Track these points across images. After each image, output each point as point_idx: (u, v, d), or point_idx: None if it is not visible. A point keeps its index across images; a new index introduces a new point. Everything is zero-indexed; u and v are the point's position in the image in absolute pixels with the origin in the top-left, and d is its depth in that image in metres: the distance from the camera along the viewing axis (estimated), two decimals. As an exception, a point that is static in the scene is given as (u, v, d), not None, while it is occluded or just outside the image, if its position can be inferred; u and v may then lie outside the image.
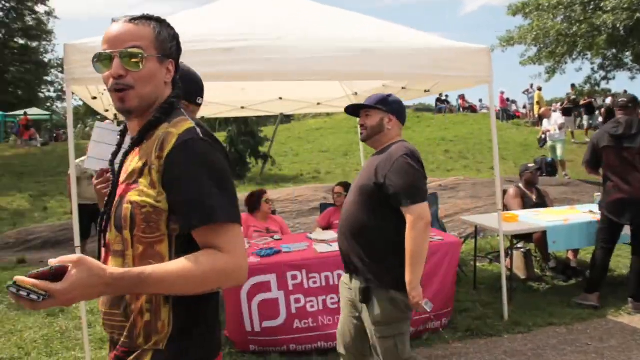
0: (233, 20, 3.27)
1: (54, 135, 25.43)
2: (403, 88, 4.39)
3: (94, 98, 3.78)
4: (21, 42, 34.61)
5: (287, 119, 20.29)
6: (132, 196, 1.04)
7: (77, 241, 2.85)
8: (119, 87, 1.07)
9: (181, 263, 0.96)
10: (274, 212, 4.58)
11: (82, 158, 4.04)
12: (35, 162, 16.03)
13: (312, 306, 3.20)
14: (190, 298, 1.03)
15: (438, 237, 3.53)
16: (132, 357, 1.04)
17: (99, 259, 1.08)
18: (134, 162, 1.08)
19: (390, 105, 2.17)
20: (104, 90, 3.53)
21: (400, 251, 1.96)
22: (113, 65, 1.06)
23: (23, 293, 0.81)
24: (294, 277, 3.18)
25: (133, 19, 1.11)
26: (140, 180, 1.04)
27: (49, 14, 34.34)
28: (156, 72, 1.10)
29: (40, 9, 34.11)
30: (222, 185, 1.03)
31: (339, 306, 2.42)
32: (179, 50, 1.18)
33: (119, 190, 1.10)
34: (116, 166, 1.15)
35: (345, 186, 4.36)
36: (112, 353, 1.10)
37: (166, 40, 1.13)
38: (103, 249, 1.12)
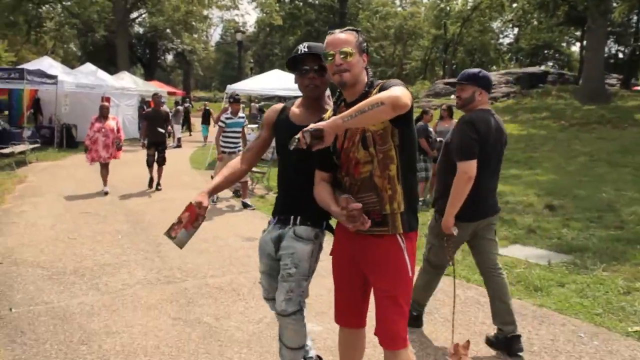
0: None
1: None
2: None
3: None
4: None
5: None
6: (370, 127, 2.31)
7: None
8: (340, 70, 2.33)
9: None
10: None
11: None
12: None
13: None
14: (412, 183, 2.42)
15: None
16: (388, 218, 2.36)
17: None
18: None
19: (480, 81, 3.55)
20: None
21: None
22: (335, 59, 2.33)
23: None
24: None
25: (343, 31, 2.40)
26: None
27: None
28: (358, 61, 2.37)
29: None
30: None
31: None
32: (367, 47, 2.45)
33: (356, 129, 2.34)
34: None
35: None
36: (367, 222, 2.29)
37: (362, 42, 2.40)
38: (350, 163, 2.40)
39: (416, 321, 3.99)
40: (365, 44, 2.44)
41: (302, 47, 2.65)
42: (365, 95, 2.35)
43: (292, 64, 2.69)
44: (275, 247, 2.77)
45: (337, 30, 2.45)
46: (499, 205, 3.81)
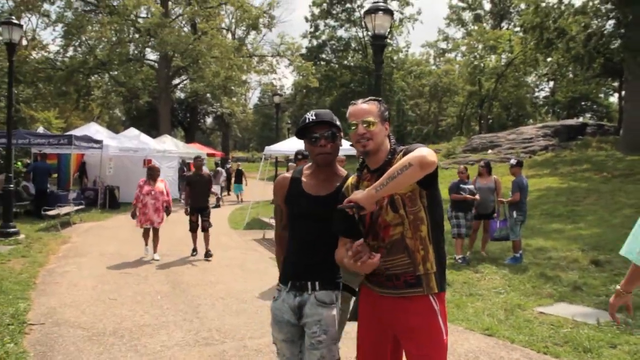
0: None
1: None
2: None
3: None
4: None
5: None
6: (400, 191, 2.30)
7: None
8: (362, 140, 2.39)
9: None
10: None
11: None
12: None
13: None
14: (441, 243, 2.40)
15: None
16: (422, 279, 2.32)
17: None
18: None
19: None
20: None
21: None
22: (358, 128, 2.40)
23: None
24: None
25: (366, 101, 2.48)
26: None
27: None
28: (381, 130, 2.44)
29: None
30: None
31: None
32: (389, 115, 2.52)
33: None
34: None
35: None
36: (396, 282, 2.34)
37: (384, 111, 2.49)
38: (379, 227, 2.37)
39: None
40: (387, 113, 2.52)
41: (310, 116, 2.64)
42: (388, 162, 2.40)
43: (302, 132, 2.67)
44: (296, 314, 2.69)
45: (359, 101, 2.53)
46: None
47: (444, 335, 2.36)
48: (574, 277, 7.40)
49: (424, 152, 2.19)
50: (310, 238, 2.66)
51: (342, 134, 2.66)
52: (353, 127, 2.43)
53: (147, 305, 6.25)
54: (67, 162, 18.17)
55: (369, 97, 2.57)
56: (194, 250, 9.65)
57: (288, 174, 2.82)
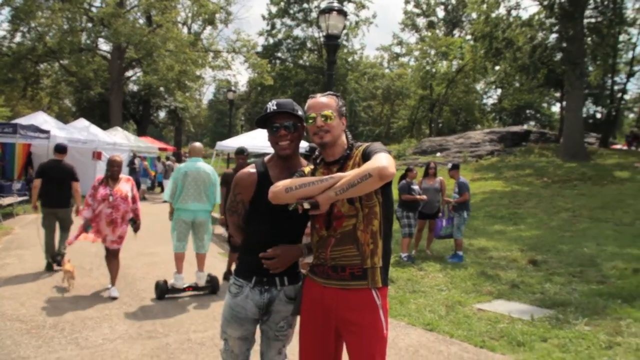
0: None
1: None
2: None
3: None
4: None
5: None
6: None
7: None
8: (320, 132, 2.42)
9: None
10: None
11: None
12: None
13: None
14: (389, 238, 2.43)
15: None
16: (368, 272, 2.35)
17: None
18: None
19: (56, 148, 7.99)
20: None
21: None
22: (317, 121, 2.42)
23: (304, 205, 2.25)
24: None
25: (324, 95, 2.51)
26: None
27: None
28: (338, 123, 2.47)
29: None
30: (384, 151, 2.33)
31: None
32: (346, 111, 2.54)
33: None
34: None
35: None
36: (342, 273, 2.37)
37: (342, 106, 2.52)
38: (332, 216, 2.38)
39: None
40: (344, 108, 2.55)
41: (271, 105, 2.58)
42: (347, 156, 2.46)
43: (262, 122, 2.62)
44: (262, 311, 2.64)
45: (318, 95, 2.55)
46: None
47: (384, 330, 2.40)
48: (513, 275, 7.66)
49: (384, 162, 2.21)
50: (280, 232, 2.59)
51: (303, 124, 2.57)
52: (311, 120, 2.45)
53: (91, 298, 6.08)
54: (12, 151, 17.42)
55: (328, 92, 2.59)
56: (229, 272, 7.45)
57: (252, 169, 2.67)
